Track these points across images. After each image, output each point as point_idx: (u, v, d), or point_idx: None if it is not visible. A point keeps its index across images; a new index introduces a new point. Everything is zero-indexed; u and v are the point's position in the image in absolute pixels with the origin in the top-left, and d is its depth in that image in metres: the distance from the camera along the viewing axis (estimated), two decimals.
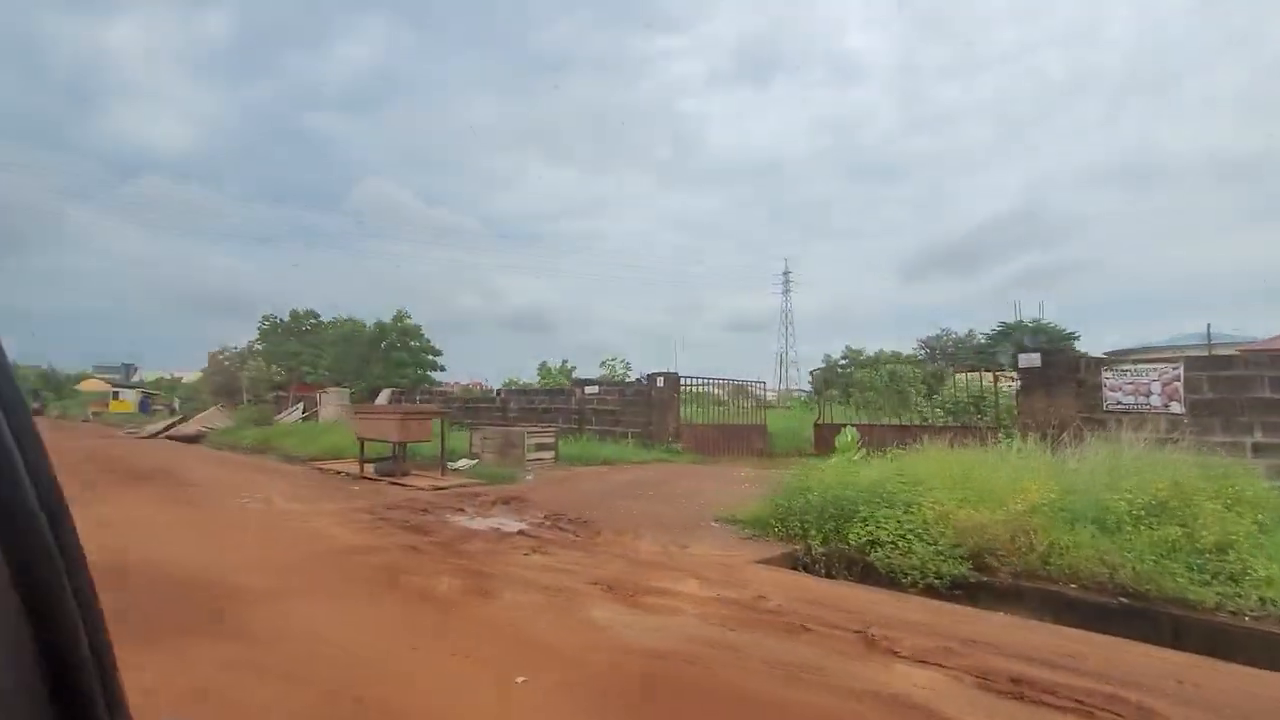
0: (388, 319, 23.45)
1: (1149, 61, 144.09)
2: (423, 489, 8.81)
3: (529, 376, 29.23)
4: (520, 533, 6.09)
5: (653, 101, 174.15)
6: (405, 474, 9.67)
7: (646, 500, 7.88)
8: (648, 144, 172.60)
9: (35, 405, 28.08)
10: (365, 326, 22.64)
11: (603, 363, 20.24)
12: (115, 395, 38.33)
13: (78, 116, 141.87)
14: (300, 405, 24.30)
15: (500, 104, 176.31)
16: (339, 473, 10.66)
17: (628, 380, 14.98)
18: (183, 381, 56.35)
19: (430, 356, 23.42)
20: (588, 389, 15.14)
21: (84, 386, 49.33)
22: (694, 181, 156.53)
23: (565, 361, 33.70)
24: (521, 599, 4.04)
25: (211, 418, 20.00)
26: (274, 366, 33.14)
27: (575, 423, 14.76)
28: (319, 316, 49.63)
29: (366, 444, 10.37)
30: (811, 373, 38.85)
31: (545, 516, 6.91)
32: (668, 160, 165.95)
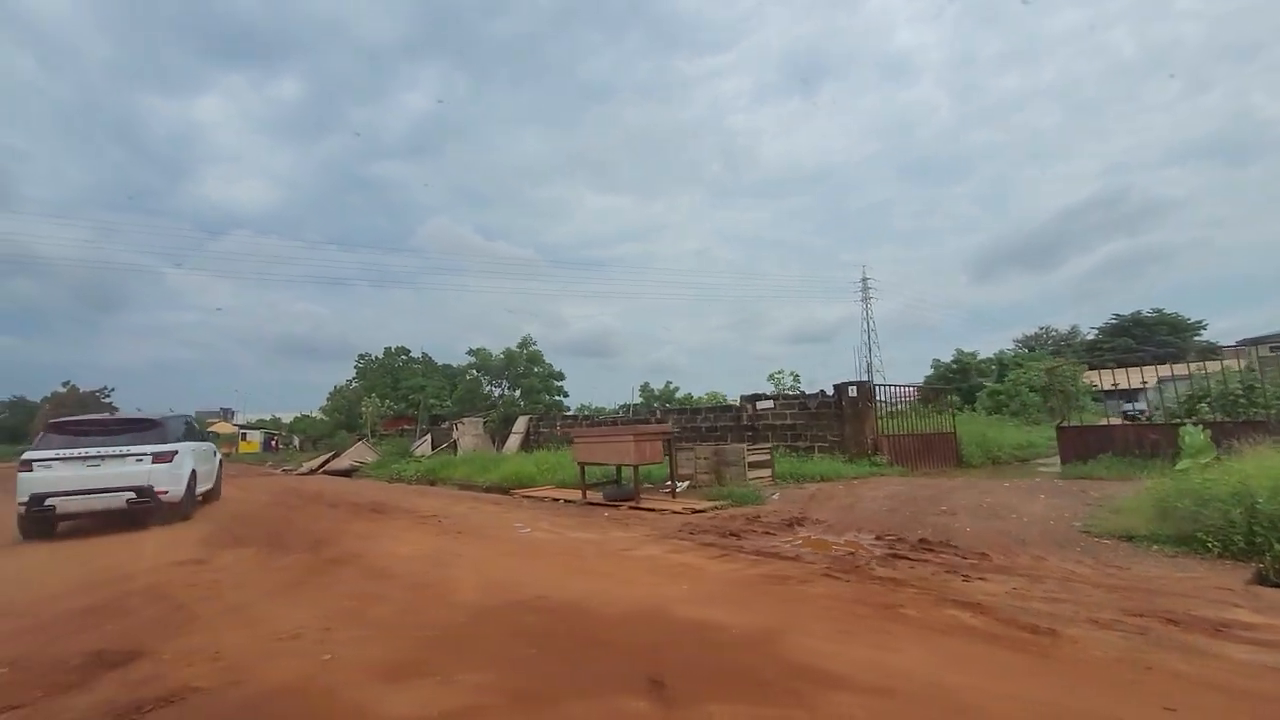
0: (465, 349, 23.51)
1: (1232, 28, 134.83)
2: (680, 512, 8.23)
3: (602, 400, 28.89)
4: (894, 555, 5.35)
5: (701, 120, 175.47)
6: (640, 498, 9.15)
7: (953, 516, 7.01)
8: (698, 162, 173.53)
9: None
10: (492, 355, 22.76)
11: (770, 376, 19.63)
12: (244, 436, 40.32)
13: (172, 184, 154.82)
14: (428, 437, 24.64)
15: (551, 136, 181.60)
16: (557, 500, 10.26)
17: (805, 394, 14.12)
18: (282, 421, 59.29)
19: (556, 382, 23.29)
20: (760, 404, 14.42)
21: (216, 429, 52.42)
22: (747, 196, 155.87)
23: (669, 383, 33.26)
24: (1095, 636, 3.29)
25: (359, 452, 20.36)
26: (387, 401, 34.09)
27: (747, 439, 14.05)
28: (409, 352, 51.37)
29: (585, 469, 9.97)
30: (925, 379, 36.91)
31: (876, 537, 6.16)
32: (719, 177, 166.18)
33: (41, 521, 8.61)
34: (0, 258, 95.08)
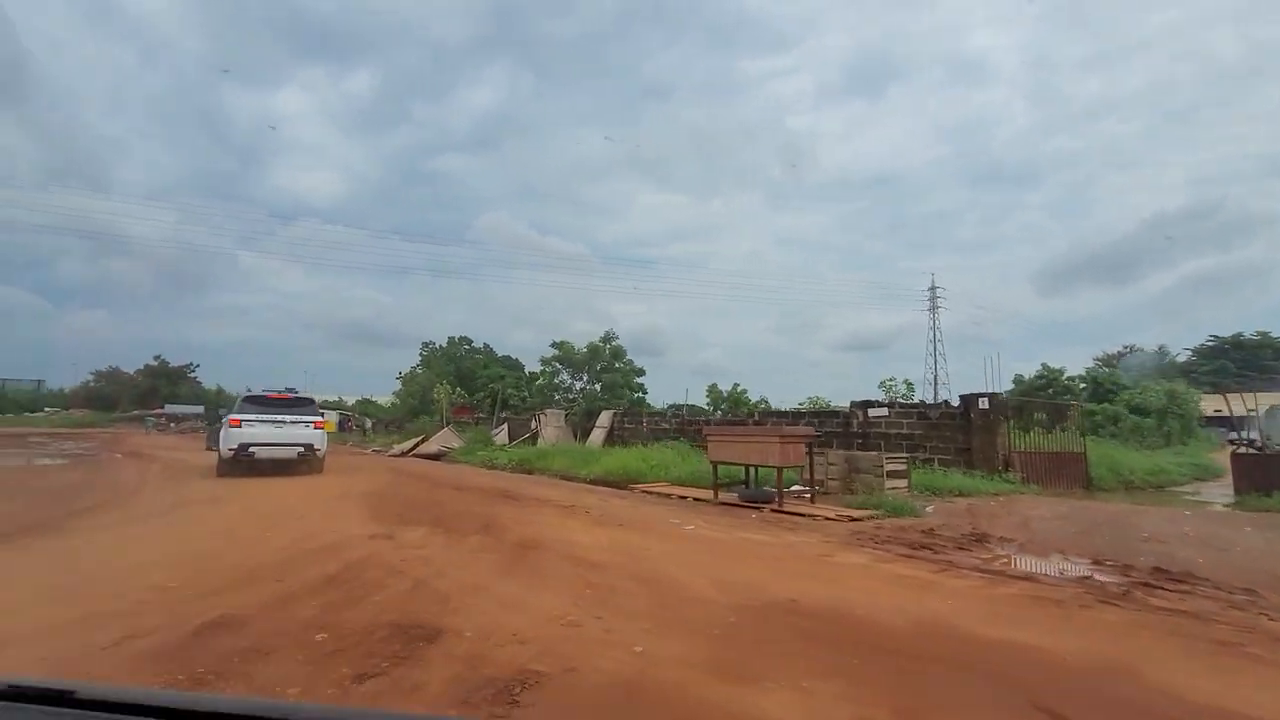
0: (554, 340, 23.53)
1: None
2: (835, 519, 7.89)
3: (653, 401, 28.46)
4: (1139, 584, 4.89)
5: (761, 121, 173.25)
6: (781, 502, 8.86)
7: (1165, 544, 6.42)
8: (756, 163, 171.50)
9: None
10: (575, 348, 22.83)
11: (881, 383, 18.91)
12: (322, 416, 41.79)
13: (249, 173, 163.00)
14: (505, 426, 24.94)
15: (609, 134, 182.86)
16: (684, 497, 10.08)
17: (925, 403, 13.52)
18: (345, 402, 61.41)
19: (637, 378, 23.22)
20: (873, 411, 13.89)
21: None
22: (805, 199, 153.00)
23: (736, 385, 32.74)
24: None
25: (445, 438, 20.76)
26: (458, 389, 34.78)
27: (855, 447, 13.55)
28: (471, 341, 52.37)
29: (717, 468, 9.74)
30: (1005, 394, 35.28)
31: (1093, 563, 5.70)
32: (777, 179, 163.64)
33: (244, 463, 12.32)
34: (98, 237, 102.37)
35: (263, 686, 2.65)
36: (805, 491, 9.48)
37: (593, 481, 13.01)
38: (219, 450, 12.89)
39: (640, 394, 23.19)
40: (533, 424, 23.54)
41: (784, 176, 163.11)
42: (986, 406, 12.08)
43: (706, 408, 28.23)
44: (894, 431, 13.52)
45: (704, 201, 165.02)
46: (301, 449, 12.84)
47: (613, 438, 19.86)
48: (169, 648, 3.09)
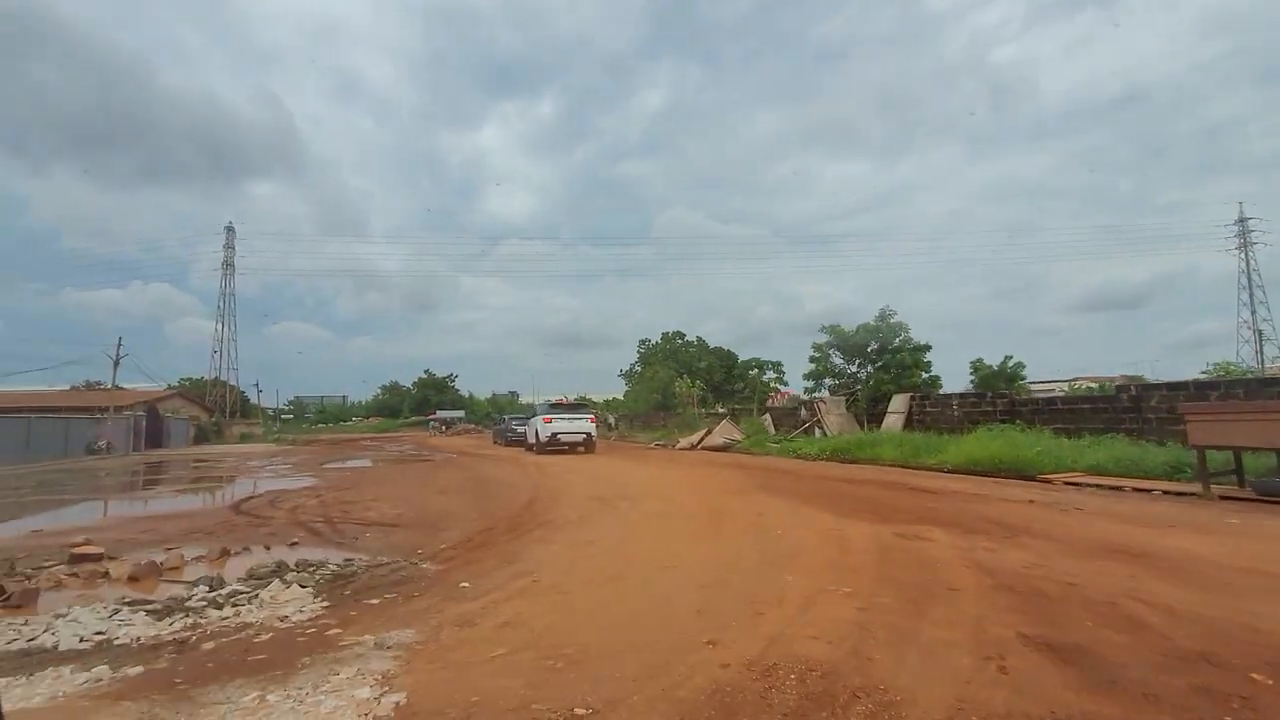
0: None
1: None
2: None
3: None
4: None
5: (958, 61, 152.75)
6: None
7: None
8: (955, 110, 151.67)
9: None
10: (849, 331, 21.37)
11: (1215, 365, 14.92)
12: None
13: (464, 205, 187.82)
14: (767, 416, 24.33)
15: (785, 110, 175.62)
16: (1149, 490, 8.23)
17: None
18: (567, 399, 66.52)
19: (924, 357, 21.01)
20: None
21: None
22: (1019, 140, 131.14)
23: (1008, 358, 28.39)
24: None
25: (726, 430, 20.79)
26: (697, 381, 35.24)
27: None
28: (685, 335, 53.27)
29: (1206, 454, 7.70)
30: None
31: None
32: (982, 124, 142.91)
33: (554, 446, 19.92)
34: (359, 276, 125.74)
35: None
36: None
37: (953, 471, 11.56)
38: (525, 439, 23.78)
39: (926, 373, 20.89)
40: (801, 413, 22.61)
41: (990, 119, 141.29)
42: None
43: (970, 385, 24.78)
44: None
45: (892, 165, 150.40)
46: (585, 436, 20.30)
47: (911, 423, 18.04)
48: None
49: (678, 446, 21.09)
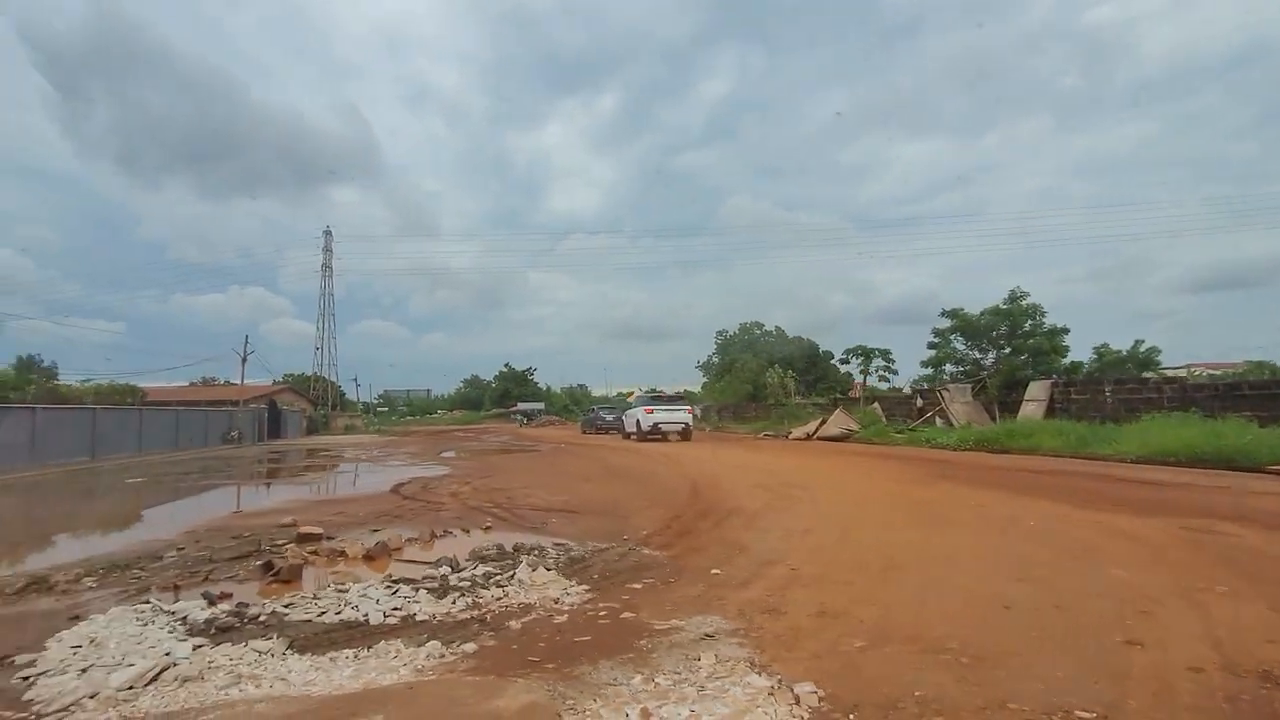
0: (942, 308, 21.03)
1: None
2: None
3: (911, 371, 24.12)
4: None
5: (1047, 26, 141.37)
6: None
7: None
8: (1042, 79, 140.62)
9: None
10: (974, 315, 20.03)
11: None
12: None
13: (530, 202, 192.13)
14: (875, 404, 23.28)
15: (855, 90, 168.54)
16: None
17: None
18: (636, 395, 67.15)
19: (1062, 341, 19.44)
20: None
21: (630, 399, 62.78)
22: (1117, 108, 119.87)
23: (1139, 342, 25.96)
24: None
25: (841, 420, 20.05)
26: (789, 371, 34.36)
27: None
28: (762, 325, 52.02)
29: None
30: None
31: None
32: (1073, 92, 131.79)
33: (654, 435, 20.80)
34: (430, 275, 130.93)
35: None
36: None
37: (1138, 461, 10.48)
38: (615, 429, 27.47)
39: (1064, 358, 19.28)
40: (917, 401, 21.49)
41: (1084, 85, 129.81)
42: None
43: (1092, 370, 22.70)
44: None
45: (972, 142, 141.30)
46: (683, 426, 21.16)
47: (1054, 411, 16.70)
48: None
49: (791, 436, 20.51)
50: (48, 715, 2.66)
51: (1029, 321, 19.29)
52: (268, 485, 13.22)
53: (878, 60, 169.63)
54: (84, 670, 3.14)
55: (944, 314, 20.68)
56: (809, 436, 19.49)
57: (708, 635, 3.24)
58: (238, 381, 54.82)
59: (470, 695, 2.49)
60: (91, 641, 3.54)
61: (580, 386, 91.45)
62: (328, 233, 61.80)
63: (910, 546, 4.95)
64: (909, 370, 28.05)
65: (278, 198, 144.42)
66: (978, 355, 20.50)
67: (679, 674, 2.72)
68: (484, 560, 5.34)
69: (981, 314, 19.94)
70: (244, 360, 37.80)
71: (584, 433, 34.46)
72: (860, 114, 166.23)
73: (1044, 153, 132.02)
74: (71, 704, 2.76)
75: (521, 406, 66.49)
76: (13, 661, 3.31)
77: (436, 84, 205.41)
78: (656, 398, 24.13)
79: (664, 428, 21.04)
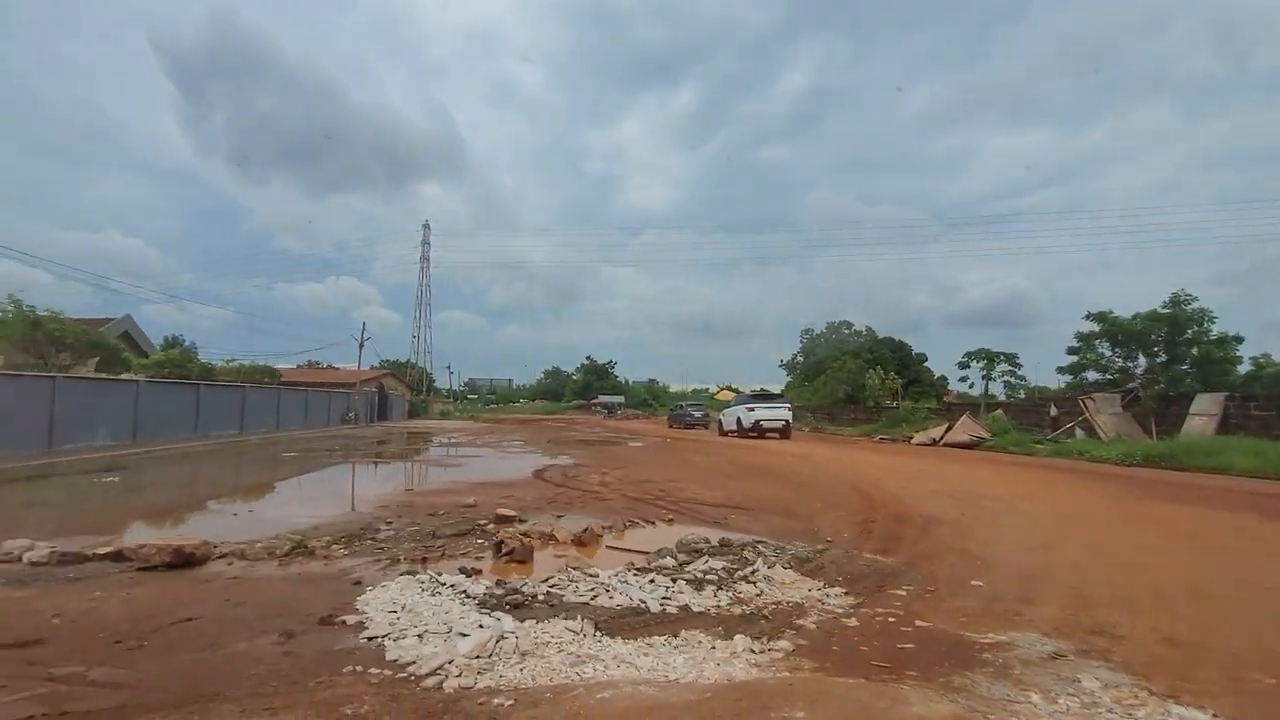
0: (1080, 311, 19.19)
1: None
2: None
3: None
4: None
5: (1170, 5, 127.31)
6: None
7: None
8: (1166, 61, 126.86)
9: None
10: (1126, 319, 18.26)
11: None
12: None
13: (605, 197, 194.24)
14: (999, 411, 21.76)
15: (946, 79, 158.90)
16: None
17: None
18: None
19: (1235, 350, 17.44)
20: None
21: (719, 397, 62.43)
22: (1257, 90, 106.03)
23: (1267, 355, 22.79)
24: None
25: (968, 426, 18.90)
26: (891, 374, 32.87)
27: None
28: (851, 325, 50.00)
29: None
30: None
31: None
32: (1204, 75, 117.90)
33: (755, 431, 21.64)
34: (508, 268, 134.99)
35: None
36: None
37: None
38: (709, 424, 30.39)
39: (1237, 368, 17.25)
40: (1051, 410, 19.91)
41: (1217, 66, 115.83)
42: None
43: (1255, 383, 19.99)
44: None
45: (1078, 132, 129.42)
46: (784, 424, 21.88)
47: (1228, 427, 14.95)
48: None
49: (914, 441, 19.54)
50: (423, 676, 2.76)
51: (1192, 328, 17.35)
52: (412, 464, 13.95)
53: (972, 47, 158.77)
54: (420, 636, 3.29)
55: (1089, 316, 18.92)
56: (935, 442, 18.44)
57: (1056, 654, 2.99)
58: (339, 366, 58.92)
59: (870, 699, 2.38)
60: (404, 608, 3.72)
61: (651, 381, 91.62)
62: (426, 226, 64.98)
63: (1204, 570, 4.46)
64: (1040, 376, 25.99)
65: (369, 193, 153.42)
66: (1127, 363, 18.67)
67: (1073, 695, 2.51)
68: (696, 554, 5.28)
69: (1135, 317, 18.11)
70: (360, 346, 40.48)
71: (670, 427, 34.50)
72: (953, 104, 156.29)
73: (1164, 142, 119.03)
74: (438, 667, 2.86)
75: (603, 399, 67.44)
76: (343, 621, 3.52)
77: (519, 82, 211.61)
78: (757, 396, 24.79)
79: (765, 425, 21.89)
